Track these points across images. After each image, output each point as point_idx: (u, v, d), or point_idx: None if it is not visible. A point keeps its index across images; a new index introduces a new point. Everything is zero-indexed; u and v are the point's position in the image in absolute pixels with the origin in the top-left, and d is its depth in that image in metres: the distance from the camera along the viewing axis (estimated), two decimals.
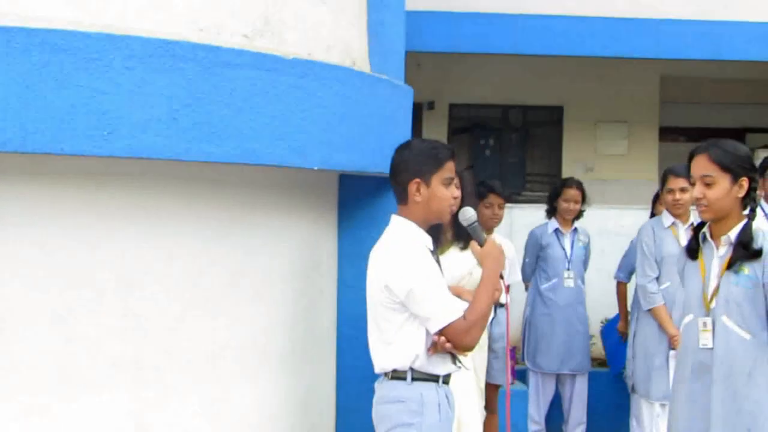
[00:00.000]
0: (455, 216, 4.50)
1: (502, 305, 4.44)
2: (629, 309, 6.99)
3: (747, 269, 3.86)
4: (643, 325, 6.40)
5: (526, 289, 7.34)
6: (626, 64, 10.64)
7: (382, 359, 3.72)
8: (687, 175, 4.27)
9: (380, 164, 4.30)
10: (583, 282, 7.16)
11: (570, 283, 7.00)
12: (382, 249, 3.72)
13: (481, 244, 3.83)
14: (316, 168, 3.96)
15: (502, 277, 3.83)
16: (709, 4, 9.98)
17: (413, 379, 3.64)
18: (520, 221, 8.27)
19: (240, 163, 3.69)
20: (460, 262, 4.60)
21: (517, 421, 6.94)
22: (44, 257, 3.57)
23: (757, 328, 3.87)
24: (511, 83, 11.78)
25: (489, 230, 5.99)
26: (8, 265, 3.52)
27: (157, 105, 3.43)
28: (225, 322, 3.99)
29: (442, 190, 3.72)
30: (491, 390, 6.03)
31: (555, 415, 7.39)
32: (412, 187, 3.69)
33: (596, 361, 8.22)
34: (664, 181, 6.33)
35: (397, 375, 3.67)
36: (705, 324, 3.94)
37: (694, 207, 4.26)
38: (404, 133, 4.64)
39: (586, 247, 7.25)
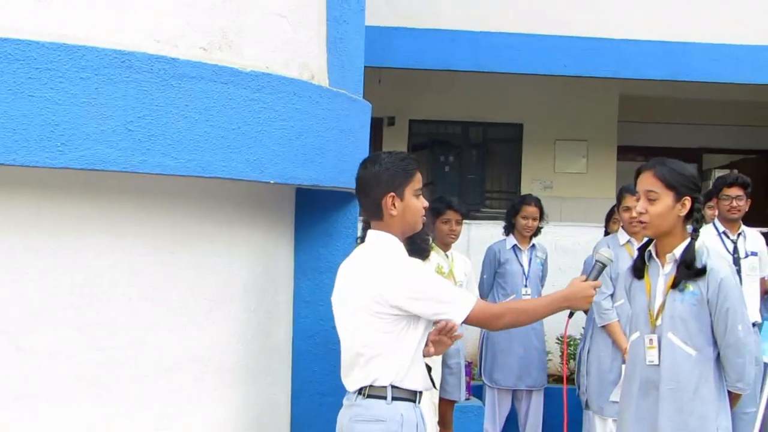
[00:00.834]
0: None
1: None
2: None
3: (692, 286, 3.92)
4: (597, 342, 6.45)
5: None
6: (585, 83, 10.74)
7: (362, 374, 3.64)
8: None
9: (337, 178, 4.30)
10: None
11: (527, 299, 6.99)
12: (370, 262, 3.67)
13: (596, 286, 3.84)
14: (272, 182, 3.94)
15: None
16: (668, 25, 10.11)
17: (393, 399, 3.61)
18: (478, 237, 8.33)
19: (195, 176, 3.66)
20: None
21: None
22: None
23: (703, 344, 3.93)
24: (471, 100, 11.85)
25: (446, 246, 6.02)
26: None
27: (112, 116, 3.40)
28: (181, 336, 3.95)
29: (415, 202, 3.73)
30: (446, 406, 6.04)
31: (511, 430, 7.40)
32: (388, 201, 3.67)
33: (552, 377, 8.27)
34: (620, 199, 6.40)
35: (375, 393, 3.62)
36: (651, 341, 4.00)
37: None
38: (362, 148, 4.64)
39: (544, 264, 7.31)
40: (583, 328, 6.99)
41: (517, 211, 7.15)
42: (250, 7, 4.07)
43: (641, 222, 3.98)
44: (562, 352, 8.25)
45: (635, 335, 4.13)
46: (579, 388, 6.84)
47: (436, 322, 3.68)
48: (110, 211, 3.73)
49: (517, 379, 7.15)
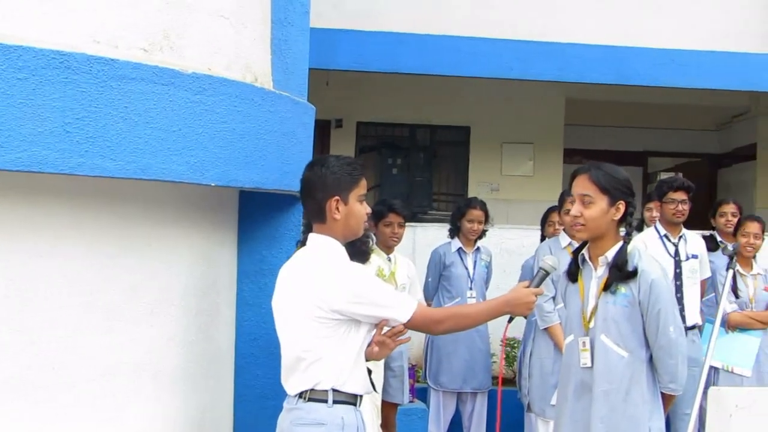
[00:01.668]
0: None
1: None
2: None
3: (623, 288, 3.95)
4: (539, 344, 6.50)
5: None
6: (532, 86, 10.81)
7: (302, 378, 3.63)
8: None
9: (280, 181, 4.29)
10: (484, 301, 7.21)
11: (472, 301, 7.01)
12: (311, 266, 3.65)
13: (538, 293, 3.83)
14: (213, 184, 3.92)
15: None
16: (612, 29, 10.21)
17: (335, 402, 3.60)
18: (423, 240, 8.34)
19: (135, 179, 3.62)
20: None
21: None
22: None
23: (635, 345, 3.96)
24: (419, 103, 11.88)
25: (389, 249, 6.03)
26: None
27: (50, 118, 3.35)
28: (119, 340, 3.90)
29: (359, 207, 3.73)
30: (389, 409, 6.05)
31: None
32: (332, 204, 3.66)
33: (496, 380, 8.29)
34: (561, 202, 6.45)
35: (316, 397, 3.61)
36: (584, 343, 4.03)
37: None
38: (306, 151, 4.63)
39: (488, 266, 7.35)
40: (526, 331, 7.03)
41: (462, 215, 7.17)
42: (193, 9, 4.04)
43: (576, 225, 4.01)
44: (506, 355, 8.31)
45: (569, 338, 4.17)
46: (520, 391, 6.88)
47: (376, 325, 3.68)
48: (47, 214, 3.67)
49: (462, 382, 7.18)
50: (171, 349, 4.17)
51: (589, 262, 4.09)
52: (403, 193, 12.01)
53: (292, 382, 3.67)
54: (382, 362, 5.29)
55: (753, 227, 6.79)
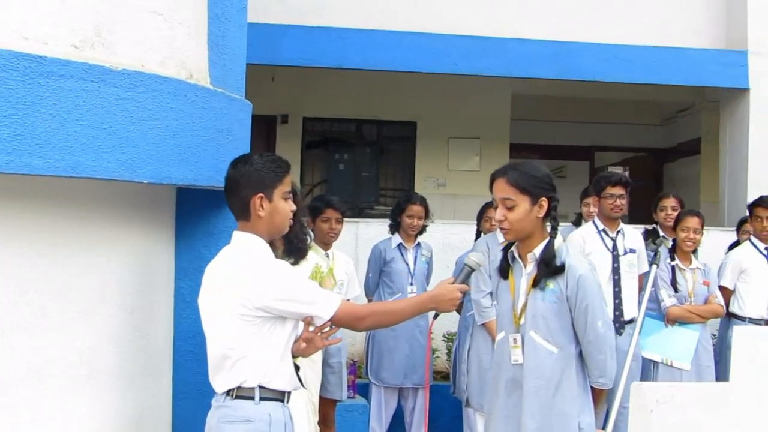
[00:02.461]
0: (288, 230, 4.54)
1: None
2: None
3: (552, 284, 3.97)
4: (477, 339, 6.52)
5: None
6: (478, 82, 10.85)
7: (229, 376, 3.64)
8: None
9: (215, 178, 4.26)
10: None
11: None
12: (233, 264, 3.66)
13: (463, 290, 3.82)
14: (146, 182, 3.89)
15: None
16: (556, 25, 10.28)
17: (261, 399, 3.61)
18: (366, 236, 8.34)
19: (65, 176, 3.59)
20: None
21: None
22: None
23: (564, 341, 3.98)
24: (365, 98, 11.89)
25: (326, 245, 6.03)
26: None
27: None
28: (52, 339, 3.86)
29: (283, 205, 3.74)
30: (327, 405, 6.05)
31: (396, 428, 7.46)
32: (256, 201, 3.66)
33: (440, 375, 8.35)
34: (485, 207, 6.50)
35: (243, 394, 3.61)
36: (515, 340, 4.05)
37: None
38: (242, 147, 4.61)
39: (429, 262, 7.37)
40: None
41: (402, 210, 7.18)
42: (125, 5, 4.00)
43: (502, 229, 4.02)
44: (448, 351, 8.33)
45: (501, 335, 4.19)
46: (454, 385, 6.92)
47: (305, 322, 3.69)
48: None
49: (403, 377, 7.19)
50: (107, 348, 4.13)
51: (519, 260, 4.12)
52: (350, 189, 12.02)
53: (219, 380, 3.68)
54: (320, 358, 5.29)
55: (692, 222, 6.86)
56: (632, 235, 6.68)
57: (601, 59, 10.34)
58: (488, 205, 7.04)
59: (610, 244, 6.52)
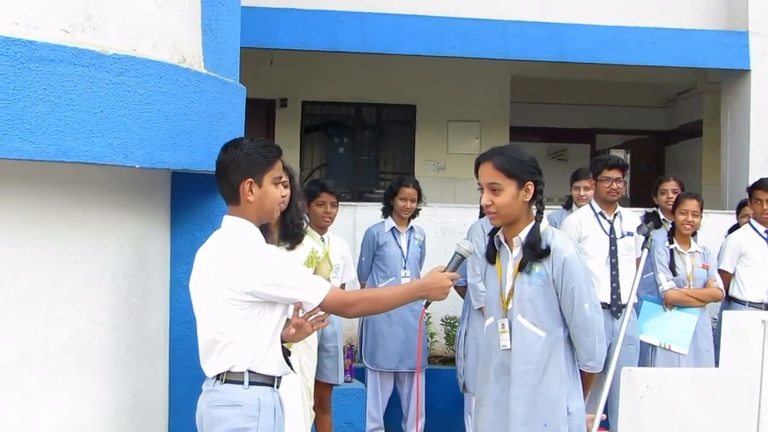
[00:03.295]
0: (283, 215, 4.55)
1: None
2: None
3: (537, 268, 3.94)
4: (474, 324, 6.50)
5: (363, 287, 7.35)
6: (477, 64, 10.80)
7: (218, 361, 3.65)
8: None
9: (208, 162, 4.25)
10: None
11: (407, 281, 6.96)
12: (223, 248, 3.66)
13: (454, 278, 3.83)
14: (138, 166, 3.89)
15: None
16: (554, 7, 10.22)
17: (251, 384, 3.62)
18: (365, 219, 8.30)
19: (56, 161, 3.58)
20: None
21: (355, 419, 6.99)
22: None
23: (552, 325, 3.96)
24: (364, 81, 11.86)
25: (322, 230, 6.01)
26: None
27: None
28: (43, 323, 3.85)
29: (273, 190, 3.74)
30: (324, 389, 6.05)
31: (394, 412, 7.46)
32: (245, 186, 3.66)
33: (438, 359, 8.34)
34: None
35: (232, 378, 3.63)
36: (503, 325, 4.04)
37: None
38: (236, 132, 4.61)
39: (422, 246, 7.35)
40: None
41: (395, 193, 7.15)
42: None
43: (489, 213, 4.01)
44: (447, 335, 8.33)
45: (489, 320, 4.17)
46: (458, 371, 6.91)
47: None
48: None
49: (399, 362, 7.18)
50: (99, 333, 4.13)
51: (505, 244, 4.10)
52: (350, 173, 12.01)
53: (209, 364, 3.69)
54: (315, 343, 5.29)
55: (691, 205, 6.82)
56: (630, 218, 6.65)
57: (598, 41, 10.26)
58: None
59: (607, 227, 6.49)
